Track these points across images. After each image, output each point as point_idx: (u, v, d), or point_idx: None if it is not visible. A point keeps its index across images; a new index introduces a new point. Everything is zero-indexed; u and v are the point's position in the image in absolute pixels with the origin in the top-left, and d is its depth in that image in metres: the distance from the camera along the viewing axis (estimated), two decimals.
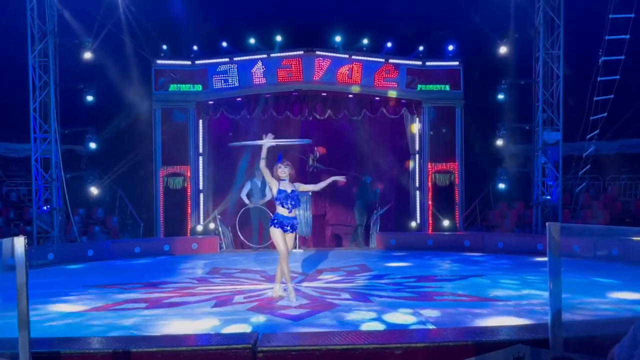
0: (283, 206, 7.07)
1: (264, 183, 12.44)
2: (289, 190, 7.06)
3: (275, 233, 7.11)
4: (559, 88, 13.41)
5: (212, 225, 14.02)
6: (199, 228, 13.95)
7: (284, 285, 7.33)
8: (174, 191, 14.10)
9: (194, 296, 7.60)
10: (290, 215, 7.09)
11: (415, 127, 14.97)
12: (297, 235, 12.87)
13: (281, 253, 7.13)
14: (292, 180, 7.21)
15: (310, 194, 13.27)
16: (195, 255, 12.49)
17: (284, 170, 7.14)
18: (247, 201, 12.75)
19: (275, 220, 7.12)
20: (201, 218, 14.32)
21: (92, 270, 10.65)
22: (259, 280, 8.91)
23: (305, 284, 8.46)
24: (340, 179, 7.53)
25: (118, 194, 14.54)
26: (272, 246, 7.26)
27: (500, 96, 14.20)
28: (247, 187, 12.73)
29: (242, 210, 12.89)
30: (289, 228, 7.10)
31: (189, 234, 13.89)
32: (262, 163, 7.07)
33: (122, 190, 14.52)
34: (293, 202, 7.05)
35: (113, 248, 12.34)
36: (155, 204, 14.08)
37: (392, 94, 14.36)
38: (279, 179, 7.14)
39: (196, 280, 9.05)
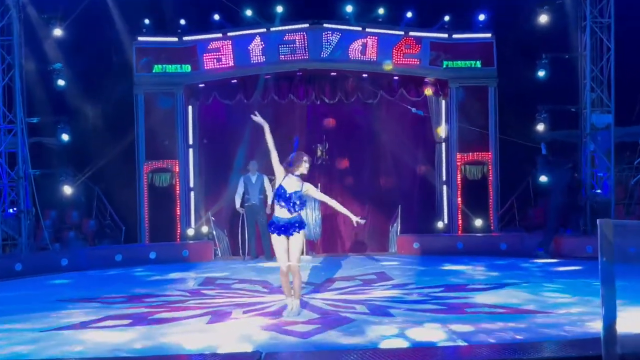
0: (278, 205, 7.05)
1: (259, 178, 12.40)
2: (289, 191, 6.99)
3: (273, 240, 7.12)
4: (609, 63, 13.30)
5: (205, 229, 14.03)
6: (190, 232, 13.97)
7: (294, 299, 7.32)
8: (160, 189, 14.09)
9: (185, 311, 7.61)
10: (290, 216, 7.03)
11: (441, 112, 14.90)
12: (304, 239, 12.89)
13: (279, 264, 7.12)
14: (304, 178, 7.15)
15: (319, 190, 13.19)
16: (186, 263, 12.49)
17: (308, 167, 7.10)
18: (238, 204, 12.59)
19: (272, 225, 7.11)
20: (192, 220, 14.33)
21: (66, 282, 10.67)
22: (261, 292, 8.93)
23: (314, 295, 8.46)
24: (360, 221, 7.39)
25: (95, 193, 14.54)
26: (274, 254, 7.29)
27: (541, 73, 14.09)
28: (241, 185, 12.60)
29: (242, 212, 12.78)
30: (278, 231, 7.05)
31: (178, 239, 13.90)
32: (270, 144, 7.03)
33: (100, 189, 14.52)
34: (293, 204, 6.98)
35: (90, 256, 12.37)
36: (138, 204, 14.08)
37: (414, 72, 14.28)
38: (288, 172, 7.05)
39: (188, 292, 9.07)
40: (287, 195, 6.96)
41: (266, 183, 12.29)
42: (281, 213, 7.04)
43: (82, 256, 12.29)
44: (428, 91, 14.61)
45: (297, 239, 7.08)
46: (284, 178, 7.05)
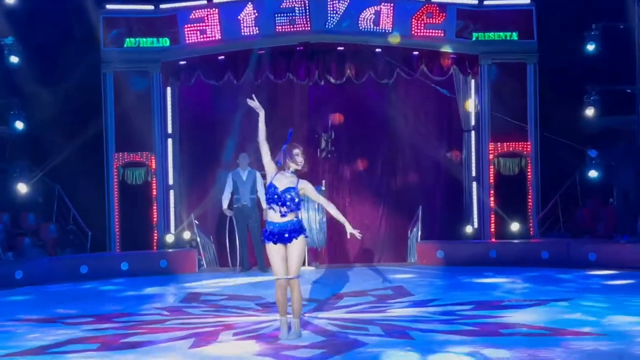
0: (271, 207, 7.02)
1: (251, 174, 12.41)
2: (281, 188, 6.98)
3: (267, 249, 7.12)
4: None
5: (187, 235, 14.06)
6: (169, 239, 13.99)
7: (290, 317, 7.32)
8: (133, 187, 14.12)
9: (164, 333, 7.61)
10: (285, 219, 7.01)
11: (471, 100, 14.89)
12: (307, 247, 12.87)
13: (275, 277, 7.12)
14: (301, 174, 7.14)
15: (324, 188, 13.25)
16: (164, 276, 12.51)
17: (301, 160, 7.04)
18: (225, 205, 12.60)
19: (266, 232, 7.11)
20: (172, 225, 14.36)
21: (22, 298, 10.66)
22: (254, 310, 8.93)
23: (318, 314, 8.46)
24: (356, 234, 7.34)
25: (56, 192, 14.55)
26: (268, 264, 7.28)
27: (590, 47, 14.09)
28: (230, 183, 12.62)
29: (230, 215, 12.80)
30: (273, 238, 7.04)
31: (155, 247, 13.93)
32: (262, 135, 7.04)
33: (62, 188, 14.52)
34: (284, 202, 6.96)
35: (50, 268, 12.38)
36: (107, 205, 14.11)
37: (438, 46, 14.27)
38: (280, 168, 7.07)
39: (166, 311, 9.06)
40: (279, 193, 6.93)
41: (259, 180, 12.28)
42: (275, 216, 7.01)
43: (40, 267, 12.31)
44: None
45: (297, 247, 7.06)
46: (274, 175, 7.04)
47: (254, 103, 7.23)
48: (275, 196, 6.95)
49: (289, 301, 7.22)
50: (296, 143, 7.17)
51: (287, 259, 7.06)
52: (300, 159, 7.01)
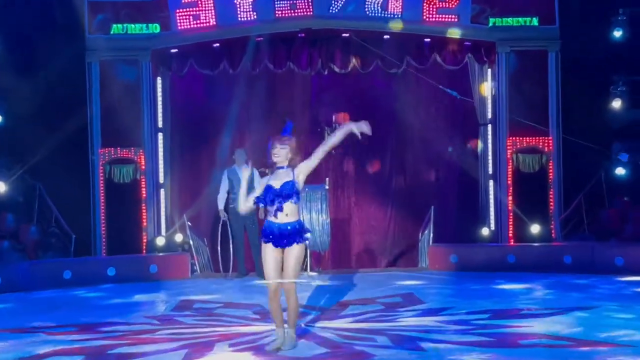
0: (270, 207, 7.02)
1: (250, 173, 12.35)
2: (277, 185, 6.98)
3: (262, 248, 7.13)
4: None
5: (179, 238, 14.10)
6: (160, 242, 14.01)
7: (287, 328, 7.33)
8: (120, 186, 14.16)
9: (154, 344, 7.61)
10: (285, 220, 6.99)
11: (487, 84, 14.91)
12: (309, 251, 12.88)
13: (267, 282, 7.11)
14: (297, 162, 7.11)
15: (327, 187, 13.27)
16: (154, 282, 12.52)
17: (274, 152, 7.02)
18: (221, 206, 12.64)
19: (265, 232, 7.11)
20: (163, 227, 14.39)
21: (0, 305, 10.66)
22: (252, 318, 8.94)
23: (321, 323, 8.46)
24: (364, 128, 7.25)
25: (37, 191, 14.53)
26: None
27: (617, 33, 14.12)
28: (225, 182, 12.66)
29: (225, 218, 12.81)
30: (270, 239, 7.03)
31: (144, 251, 13.96)
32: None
33: (44, 186, 14.50)
34: (276, 202, 6.95)
35: (31, 273, 12.38)
36: (92, 206, 14.15)
37: (452, 32, 14.28)
38: (274, 168, 7.09)
39: (157, 320, 9.08)
40: (278, 190, 6.94)
41: (257, 178, 12.24)
42: (274, 216, 7.01)
43: (20, 273, 12.30)
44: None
45: (297, 251, 7.06)
46: (270, 176, 7.09)
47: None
48: (275, 193, 6.95)
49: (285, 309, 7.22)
50: (278, 136, 7.17)
51: (282, 263, 7.06)
52: (275, 151, 7.00)
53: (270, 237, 7.01)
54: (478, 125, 15.11)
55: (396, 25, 14.06)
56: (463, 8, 14.20)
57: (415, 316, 8.88)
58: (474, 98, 14.98)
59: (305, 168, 7.07)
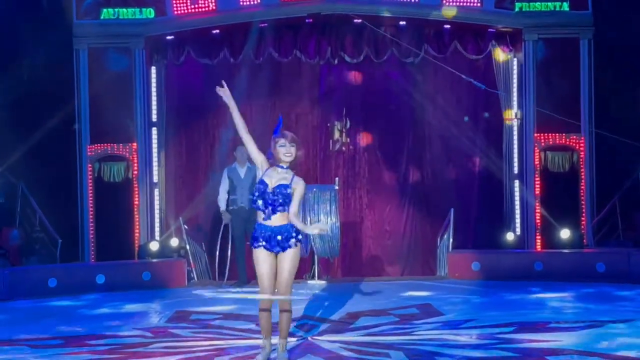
0: (258, 208, 6.92)
1: (250, 171, 12.30)
2: (272, 184, 6.88)
3: (254, 256, 7.01)
4: None
5: (175, 242, 14.07)
6: (154, 247, 13.98)
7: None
8: (111, 186, 14.18)
9: (147, 358, 7.60)
10: (276, 223, 6.89)
11: (513, 74, 14.86)
12: (317, 258, 12.79)
13: (259, 295, 7.04)
14: (297, 168, 7.04)
15: (337, 187, 13.26)
16: (148, 291, 12.46)
17: (287, 151, 6.89)
18: (223, 207, 12.62)
19: (254, 236, 7.01)
20: (157, 230, 14.41)
21: None
22: (253, 331, 8.83)
23: (330, 336, 8.44)
24: (321, 228, 7.18)
25: (19, 191, 14.53)
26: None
27: None
28: (225, 181, 12.64)
29: (227, 221, 12.80)
30: (262, 243, 6.91)
31: (136, 257, 13.95)
32: (241, 127, 6.98)
33: (26, 186, 14.49)
34: (270, 203, 6.85)
35: (13, 280, 12.31)
36: (80, 207, 14.16)
37: (473, 18, 14.29)
38: (273, 163, 6.97)
39: (150, 332, 9.05)
40: (269, 191, 6.84)
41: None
42: (265, 218, 6.93)
43: (1, 280, 12.21)
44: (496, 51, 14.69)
45: (289, 258, 6.96)
46: (266, 170, 6.94)
47: (225, 91, 7.15)
48: (264, 194, 6.84)
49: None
50: (287, 131, 7.02)
51: (276, 272, 6.98)
52: (284, 150, 6.89)
53: (262, 242, 6.91)
54: (502, 121, 15.07)
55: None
56: None
57: (433, 329, 8.84)
58: (498, 91, 14.94)
59: (296, 194, 6.90)
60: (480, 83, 14.30)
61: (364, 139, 15.27)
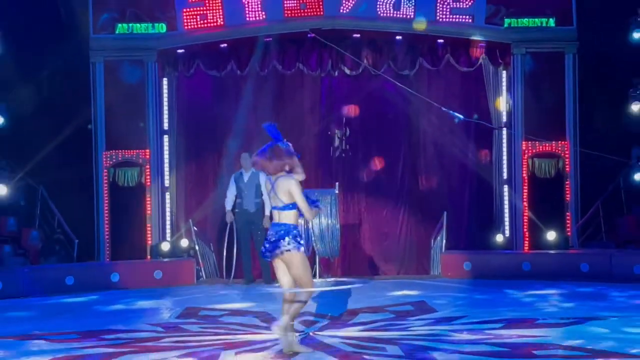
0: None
1: (254, 176, 12.39)
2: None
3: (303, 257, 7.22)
4: None
5: (185, 243, 14.11)
6: (165, 247, 14.01)
7: (299, 334, 7.36)
8: (125, 190, 14.20)
9: (158, 352, 7.61)
10: (277, 229, 7.11)
11: (502, 98, 14.91)
12: (318, 258, 12.90)
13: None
14: (289, 169, 7.27)
15: (337, 191, 13.34)
16: (159, 288, 12.52)
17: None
18: (229, 208, 12.73)
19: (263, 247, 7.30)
20: (168, 231, 14.42)
21: (1, 311, 10.70)
22: (260, 327, 8.95)
23: (330, 332, 8.46)
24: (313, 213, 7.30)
25: (39, 195, 14.58)
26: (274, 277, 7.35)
27: (636, 35, 14.02)
28: (232, 186, 12.72)
29: (231, 221, 12.91)
30: (267, 251, 7.18)
31: (149, 257, 13.98)
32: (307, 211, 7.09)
33: (46, 190, 14.56)
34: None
35: (33, 278, 12.39)
36: (96, 210, 14.19)
37: (465, 33, 14.31)
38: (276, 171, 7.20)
39: (161, 327, 9.08)
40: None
41: (263, 183, 12.28)
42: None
43: (21, 278, 12.32)
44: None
45: (292, 259, 7.07)
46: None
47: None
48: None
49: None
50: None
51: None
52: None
53: (266, 249, 7.21)
54: (492, 129, 15.07)
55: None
56: (478, 8, 14.21)
57: (427, 325, 8.86)
58: (489, 102, 14.98)
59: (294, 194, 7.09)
60: (456, 113, 14.15)
61: (362, 147, 15.21)
